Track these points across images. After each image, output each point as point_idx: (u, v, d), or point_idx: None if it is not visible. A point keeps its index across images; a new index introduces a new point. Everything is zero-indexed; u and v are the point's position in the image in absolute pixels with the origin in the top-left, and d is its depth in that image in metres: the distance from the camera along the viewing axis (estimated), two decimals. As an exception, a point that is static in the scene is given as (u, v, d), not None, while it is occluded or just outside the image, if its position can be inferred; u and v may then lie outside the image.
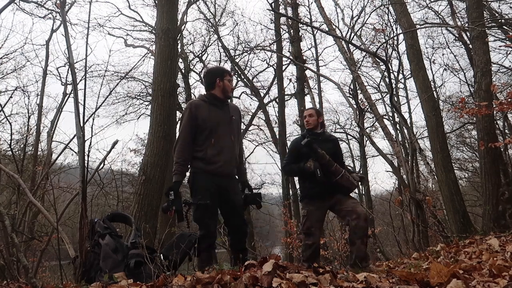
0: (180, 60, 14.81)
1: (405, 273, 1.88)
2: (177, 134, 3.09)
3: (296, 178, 11.46)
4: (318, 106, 14.85)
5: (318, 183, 3.39)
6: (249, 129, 17.32)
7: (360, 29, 12.61)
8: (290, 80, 16.01)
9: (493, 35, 10.04)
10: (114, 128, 18.74)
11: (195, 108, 2.99)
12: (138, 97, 16.09)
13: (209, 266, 2.46)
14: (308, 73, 14.60)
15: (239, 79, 16.18)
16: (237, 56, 16.18)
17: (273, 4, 11.58)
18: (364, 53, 14.16)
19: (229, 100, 3.33)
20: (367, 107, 11.74)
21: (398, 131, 13.14)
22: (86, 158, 3.02)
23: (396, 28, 13.04)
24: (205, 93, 3.16)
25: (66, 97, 12.38)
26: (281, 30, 14.43)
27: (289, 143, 4.02)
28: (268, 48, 15.48)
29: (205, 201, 2.82)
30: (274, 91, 16.56)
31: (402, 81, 15.89)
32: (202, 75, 3.48)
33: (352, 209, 3.33)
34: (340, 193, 3.46)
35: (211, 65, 15.03)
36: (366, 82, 14.59)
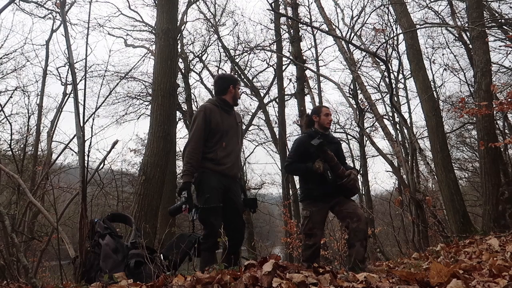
0: (180, 60, 14.82)
1: (405, 273, 1.88)
2: (189, 135, 3.15)
3: (296, 178, 11.45)
4: (318, 106, 14.80)
5: (322, 184, 3.37)
6: (249, 129, 17.34)
7: (360, 29, 12.60)
8: (290, 80, 16.02)
9: (493, 35, 10.04)
10: (114, 128, 18.87)
11: (209, 112, 3.09)
12: (138, 97, 16.10)
13: (210, 266, 2.47)
14: (308, 73, 14.58)
15: (239, 79, 16.16)
16: (237, 56, 16.20)
17: (273, 4, 11.58)
18: (364, 53, 14.16)
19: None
20: (367, 107, 11.75)
21: (398, 131, 13.15)
22: (86, 158, 3.02)
23: (396, 28, 13.06)
24: (216, 97, 3.26)
25: (66, 97, 12.42)
26: (281, 30, 14.42)
27: (289, 143, 3.97)
28: (268, 48, 15.49)
29: (217, 203, 2.92)
30: (274, 91, 16.60)
31: (402, 81, 15.89)
32: (214, 80, 3.55)
33: (353, 211, 3.30)
34: (342, 195, 3.44)
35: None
36: (366, 82, 14.60)
